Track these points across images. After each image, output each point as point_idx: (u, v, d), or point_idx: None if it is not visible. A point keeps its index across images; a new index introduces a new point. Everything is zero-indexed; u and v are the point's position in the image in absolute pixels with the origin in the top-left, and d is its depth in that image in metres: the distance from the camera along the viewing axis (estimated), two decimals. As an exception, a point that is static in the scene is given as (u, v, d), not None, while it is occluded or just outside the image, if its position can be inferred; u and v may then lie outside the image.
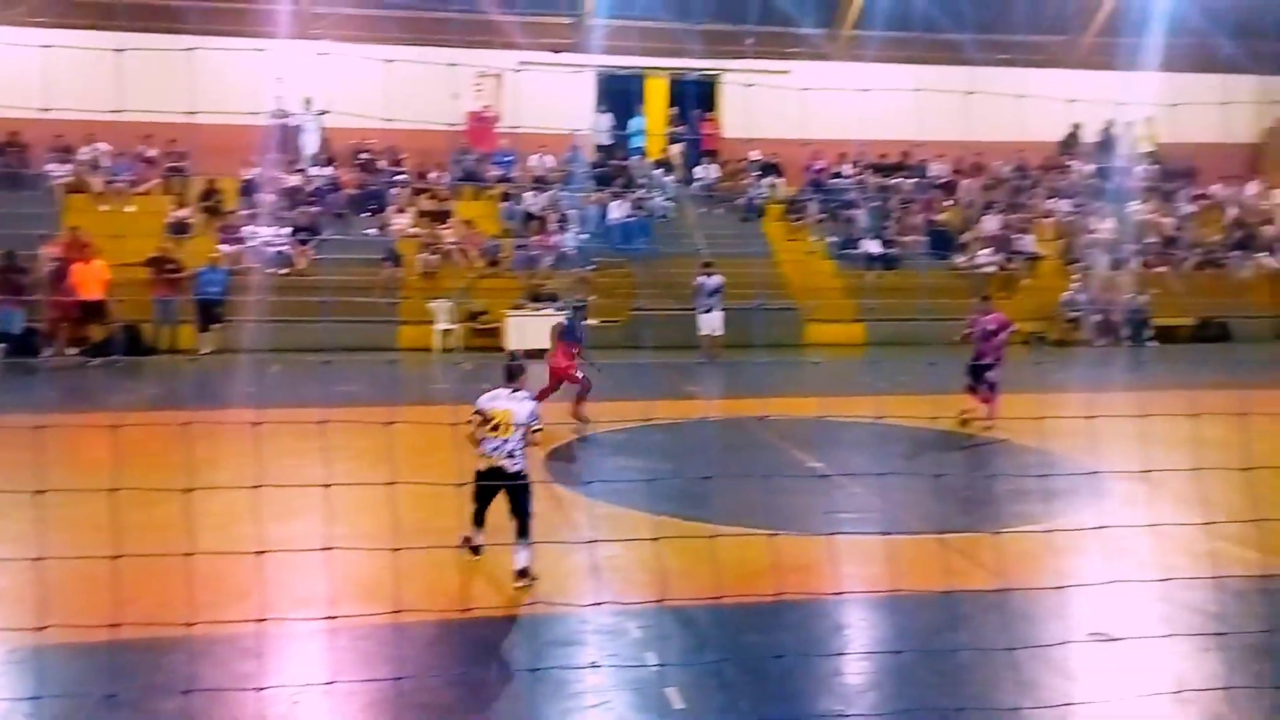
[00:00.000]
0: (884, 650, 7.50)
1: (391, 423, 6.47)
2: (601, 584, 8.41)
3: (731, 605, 8.24)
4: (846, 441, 14.25)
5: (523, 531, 8.63)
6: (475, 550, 8.94)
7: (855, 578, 9.27)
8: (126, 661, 6.91)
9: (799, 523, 10.90)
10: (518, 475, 8.61)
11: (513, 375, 8.88)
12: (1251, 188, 32.21)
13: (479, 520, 8.95)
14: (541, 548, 7.80)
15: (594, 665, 7.40)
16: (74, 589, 8.03)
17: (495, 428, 8.57)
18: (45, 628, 5.48)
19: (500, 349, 23.37)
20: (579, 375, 15.26)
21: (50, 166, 25.32)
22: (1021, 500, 11.67)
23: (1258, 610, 7.87)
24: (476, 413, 8.66)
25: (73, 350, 21.30)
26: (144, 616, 6.09)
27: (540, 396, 14.60)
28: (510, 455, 8.59)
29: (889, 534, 8.44)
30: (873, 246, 27.89)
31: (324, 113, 26.48)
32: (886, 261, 27.73)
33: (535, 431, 8.70)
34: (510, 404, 8.68)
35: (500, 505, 8.72)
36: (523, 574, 8.57)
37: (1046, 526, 8.07)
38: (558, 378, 15.38)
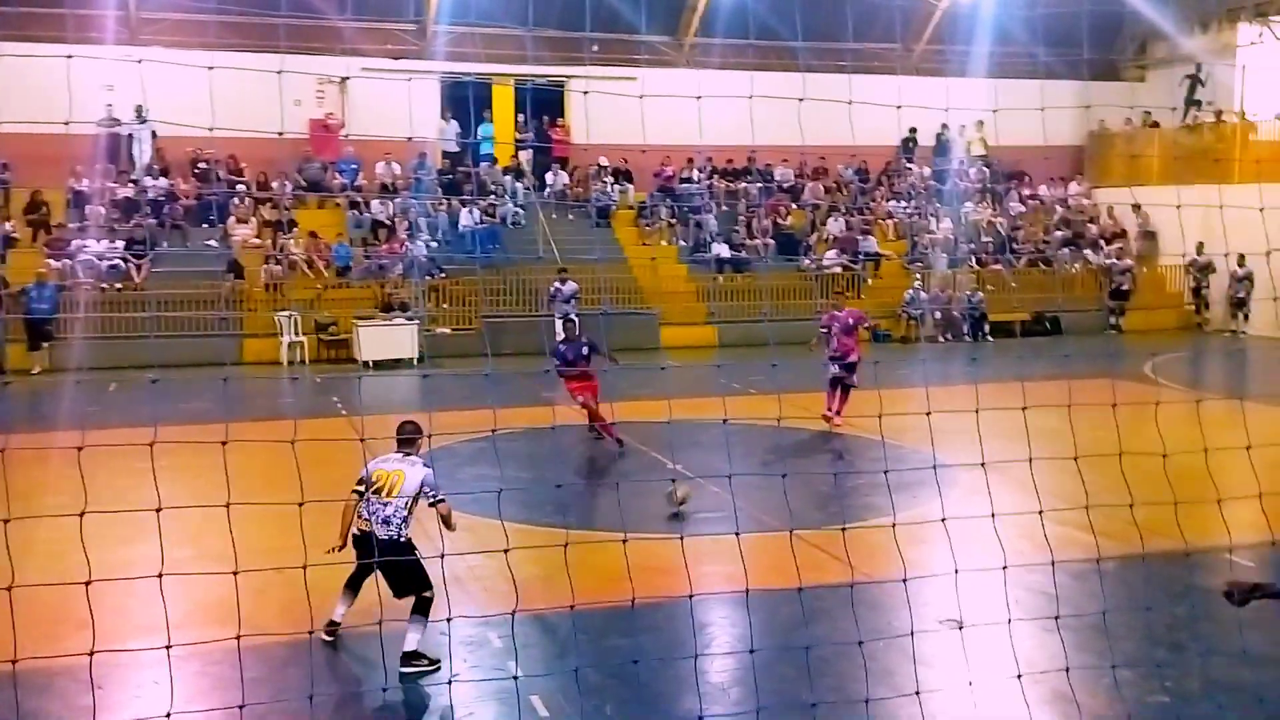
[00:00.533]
0: (744, 649, 7.61)
1: (226, 441, 6.25)
2: (462, 595, 8.31)
3: (592, 610, 8.27)
4: (704, 442, 14.44)
5: (417, 608, 7.87)
6: (331, 631, 8.08)
7: (714, 576, 9.39)
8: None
9: (658, 525, 10.99)
10: (396, 545, 7.81)
11: (408, 439, 8.23)
12: (1075, 188, 33.86)
13: (351, 585, 8.16)
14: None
15: (452, 679, 7.31)
16: None
17: (378, 490, 7.87)
18: None
19: (352, 360, 22.94)
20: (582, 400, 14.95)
21: None
22: (872, 494, 12.01)
23: (1095, 591, 8.26)
24: (360, 482, 7.94)
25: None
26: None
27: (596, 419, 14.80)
28: (386, 522, 7.84)
29: (745, 532, 8.56)
30: (722, 250, 28.30)
31: (153, 122, 25.50)
32: (736, 264, 28.19)
33: (438, 502, 7.94)
34: (402, 466, 8.04)
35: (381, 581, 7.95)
36: (411, 657, 7.78)
37: (895, 519, 8.32)
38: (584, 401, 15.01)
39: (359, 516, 7.90)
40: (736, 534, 7.58)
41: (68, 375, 20.63)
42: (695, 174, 30.80)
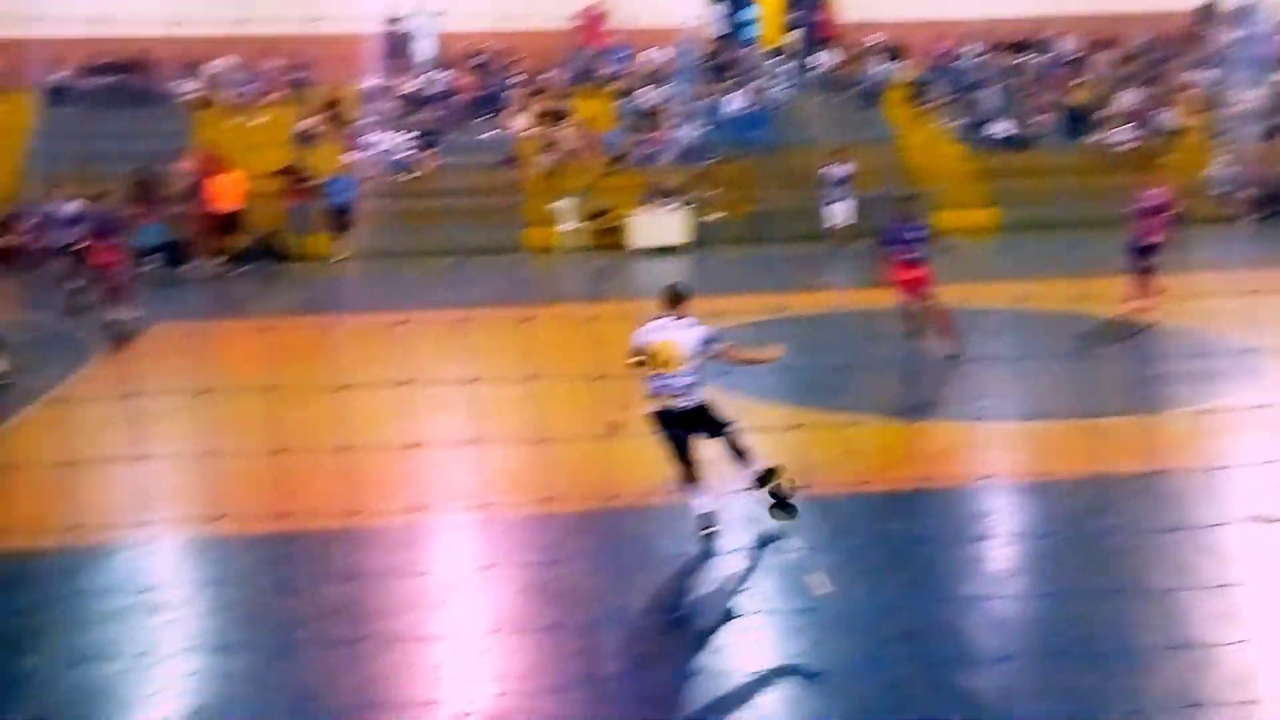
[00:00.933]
0: (1028, 536, 7.42)
1: (527, 319, 6.54)
2: (738, 474, 8.45)
3: (871, 493, 8.24)
4: (986, 329, 13.93)
5: (738, 455, 7.71)
6: (706, 525, 7.78)
7: (999, 463, 9.16)
8: (293, 551, 7.26)
9: (939, 410, 10.78)
10: (699, 411, 7.62)
11: (676, 300, 7.82)
12: None
13: (689, 474, 7.76)
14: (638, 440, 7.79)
15: (733, 552, 7.48)
16: (241, 484, 8.41)
17: (658, 364, 7.59)
18: (220, 518, 5.78)
19: (624, 247, 23.42)
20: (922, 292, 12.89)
21: (178, 83, 25.92)
22: (1175, 383, 11.29)
23: None
24: (634, 350, 7.71)
25: (216, 260, 22.01)
26: (307, 509, 6.37)
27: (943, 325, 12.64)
28: (680, 393, 7.57)
29: (1033, 419, 8.27)
30: (1002, 128, 26.94)
31: (435, 18, 26.49)
32: (1017, 143, 26.79)
33: (721, 351, 7.64)
34: (670, 333, 7.67)
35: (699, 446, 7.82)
36: (766, 476, 7.71)
37: (1200, 408, 7.81)
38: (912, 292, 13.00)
39: (651, 395, 7.75)
40: (1029, 420, 7.31)
41: (365, 262, 22.07)
42: (972, 48, 29.27)
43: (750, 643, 6.50)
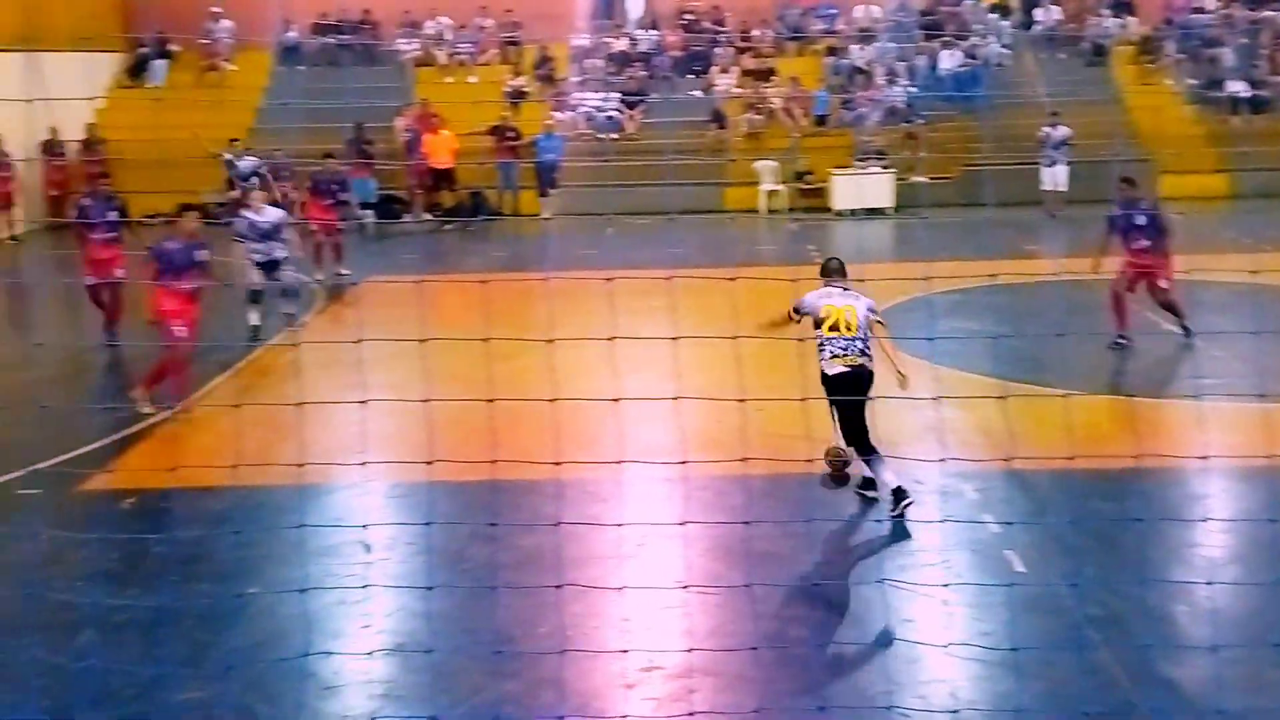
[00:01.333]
0: (1250, 520, 7.00)
1: (733, 279, 6.53)
2: (937, 444, 8.26)
3: (1076, 470, 7.90)
4: (1212, 303, 13.13)
5: (862, 434, 7.85)
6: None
7: (1220, 445, 8.65)
8: (496, 499, 7.53)
9: (1158, 387, 10.26)
10: (868, 378, 7.84)
11: (840, 272, 8.16)
12: None
13: (862, 442, 7.83)
14: (877, 406, 7.72)
15: (927, 523, 7.34)
16: (450, 433, 8.76)
17: (835, 326, 7.81)
18: (433, 462, 6.04)
19: (827, 209, 23.09)
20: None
21: (400, 42, 26.91)
22: None
23: None
24: (797, 310, 8.00)
25: (428, 215, 22.86)
26: (511, 459, 6.58)
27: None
28: (862, 356, 7.79)
29: (1261, 399, 7.77)
30: (1239, 88, 25.18)
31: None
32: (1255, 104, 25.00)
33: (881, 328, 7.95)
34: (848, 299, 7.95)
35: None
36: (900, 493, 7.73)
37: None
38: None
39: (833, 356, 7.81)
40: (1257, 399, 6.88)
41: (571, 219, 22.49)
42: (1209, 3, 27.43)
43: (941, 617, 6.38)
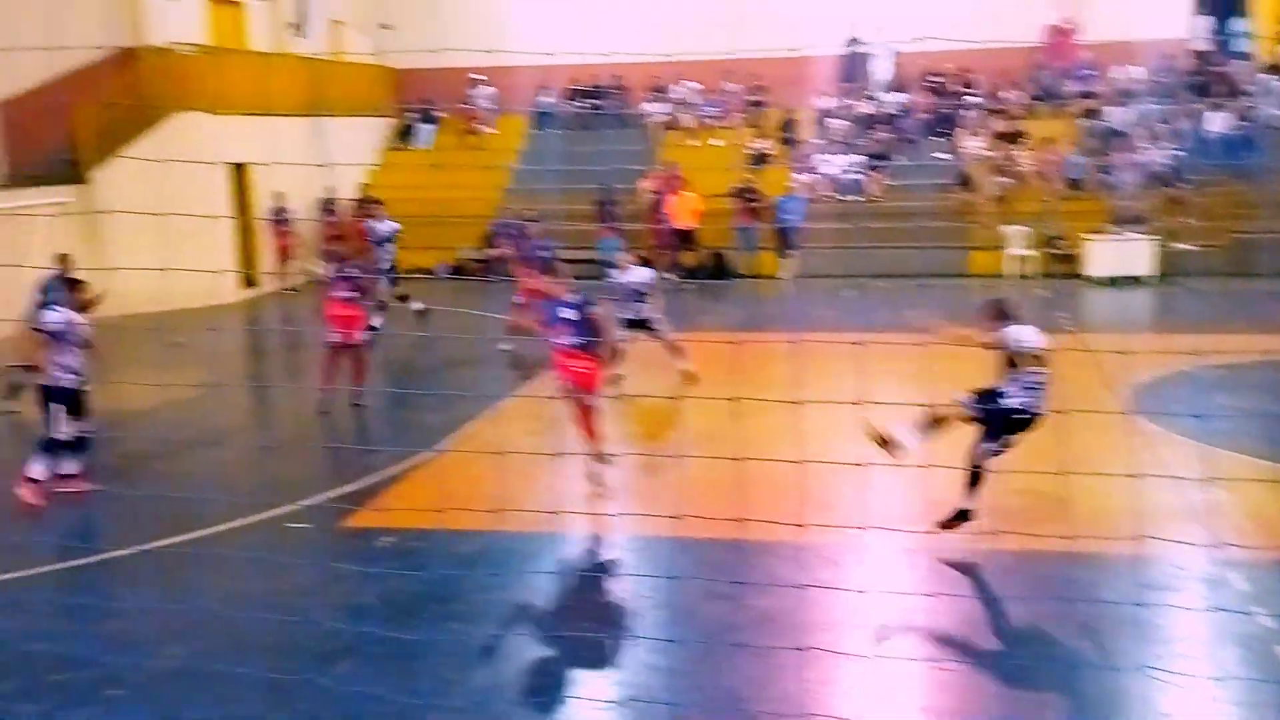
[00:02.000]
0: None
1: (988, 346, 6.35)
2: (1204, 529, 7.76)
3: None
4: None
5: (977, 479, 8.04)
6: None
7: None
8: (735, 558, 7.55)
9: None
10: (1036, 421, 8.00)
11: (1013, 312, 8.23)
12: None
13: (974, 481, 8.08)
14: (1126, 483, 7.34)
15: (1190, 610, 6.88)
16: (690, 489, 8.87)
17: (1042, 365, 7.96)
18: (679, 516, 6.14)
19: (1079, 276, 22.19)
20: None
21: (647, 106, 27.69)
22: None
23: None
24: (1004, 343, 7.96)
25: (669, 275, 23.30)
26: (747, 518, 6.60)
27: None
28: (1045, 398, 7.96)
29: None
30: None
31: (892, 40, 26.42)
32: None
33: None
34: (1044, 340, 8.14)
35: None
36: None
37: None
38: None
39: (1025, 391, 7.90)
40: None
41: (810, 281, 22.48)
42: None
43: (1205, 713, 5.96)
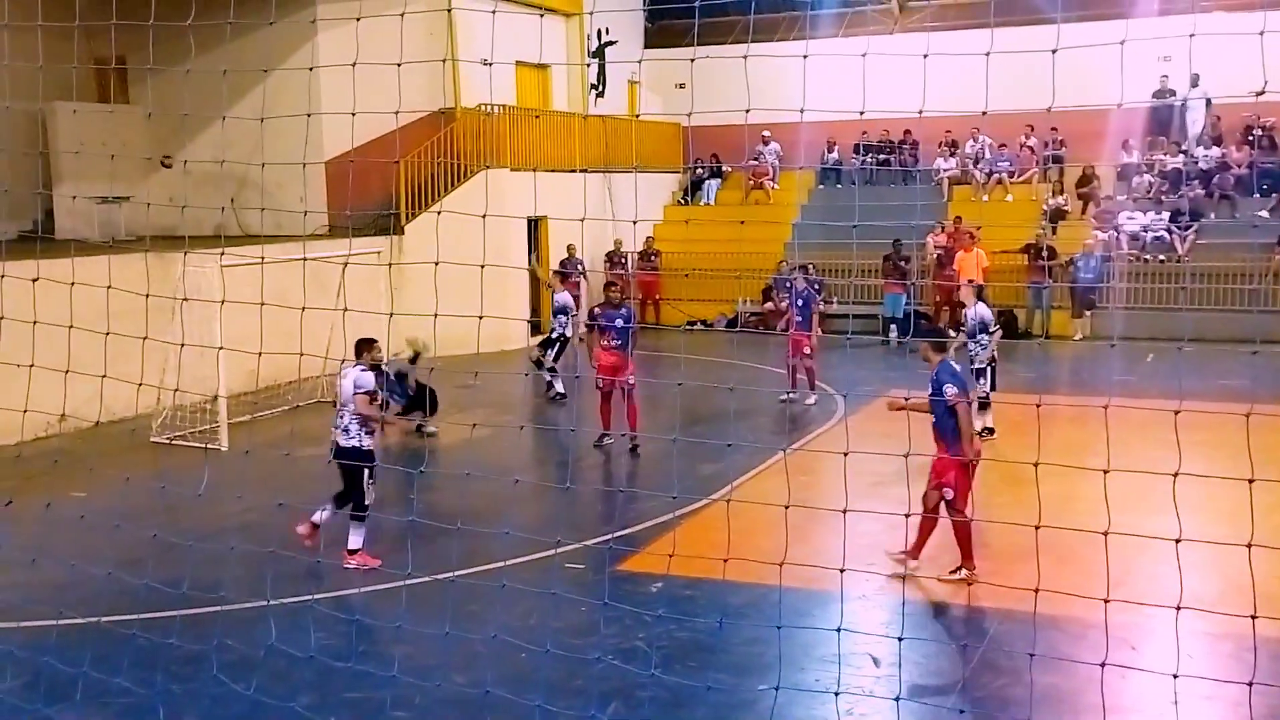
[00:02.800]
0: None
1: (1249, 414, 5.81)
2: None
3: None
4: None
5: None
6: None
7: None
8: (1014, 630, 7.19)
9: None
10: None
11: None
12: None
13: None
14: None
15: None
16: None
17: None
18: (972, 583, 5.91)
19: None
20: None
21: (938, 161, 27.15)
22: None
23: None
24: None
25: (953, 332, 22.66)
26: (1027, 588, 6.29)
27: None
28: None
29: None
30: None
31: (1207, 91, 24.81)
32: None
33: None
34: None
35: None
36: None
37: None
38: None
39: None
40: None
41: (1105, 343, 21.31)
42: None
43: None
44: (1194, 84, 25.10)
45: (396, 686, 6.79)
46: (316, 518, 9.65)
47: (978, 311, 14.07)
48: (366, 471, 9.47)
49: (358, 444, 9.57)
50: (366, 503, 9.57)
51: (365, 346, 10.00)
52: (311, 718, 6.72)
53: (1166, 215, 24.00)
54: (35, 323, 8.17)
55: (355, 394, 9.52)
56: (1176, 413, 5.43)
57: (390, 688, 6.79)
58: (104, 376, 8.17)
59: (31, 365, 8.02)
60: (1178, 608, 5.64)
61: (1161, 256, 23.41)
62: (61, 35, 10.61)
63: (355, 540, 9.64)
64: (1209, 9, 25.30)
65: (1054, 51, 5.67)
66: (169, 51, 13.92)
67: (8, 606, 8.25)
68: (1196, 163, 24.99)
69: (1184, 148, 25.55)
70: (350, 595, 8.32)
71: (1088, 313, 22.51)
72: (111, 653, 7.50)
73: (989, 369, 13.95)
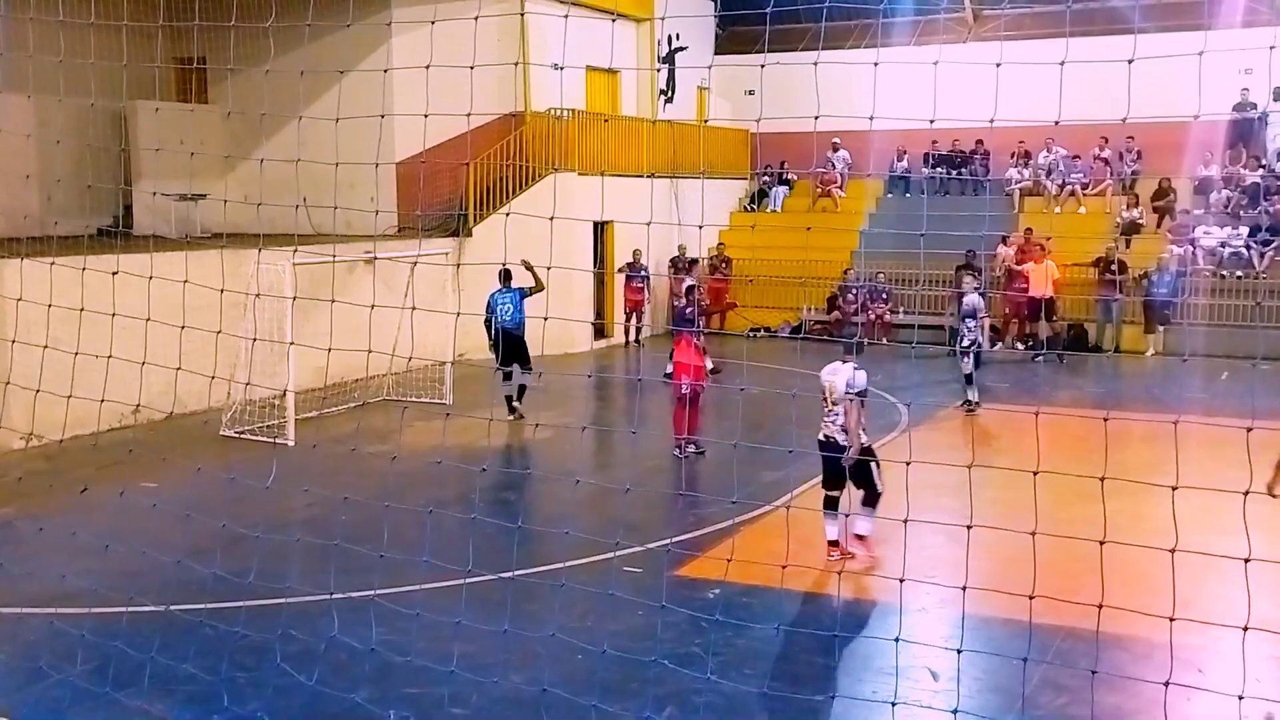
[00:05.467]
0: None
1: None
2: None
3: None
4: None
5: None
6: None
7: None
8: (1074, 648, 7.09)
9: None
10: None
11: None
12: None
13: None
14: None
15: None
16: (1022, 572, 8.42)
17: None
18: (1033, 597, 5.88)
19: None
20: None
21: (1011, 172, 26.78)
22: None
23: None
24: None
25: (1021, 345, 22.42)
26: (1085, 608, 6.20)
27: None
28: None
29: None
30: None
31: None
32: None
33: None
34: None
35: None
36: None
37: None
38: None
39: None
40: None
41: (1178, 359, 20.92)
42: None
43: None
44: (1276, 97, 24.56)
45: (455, 683, 6.85)
46: (862, 529, 9.60)
47: (971, 301, 16.53)
48: (874, 463, 9.52)
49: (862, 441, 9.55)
50: (879, 490, 9.51)
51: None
52: (371, 710, 6.81)
53: (1245, 230, 23.48)
54: (114, 315, 8.38)
55: (846, 393, 9.49)
56: (1249, 430, 5.32)
57: (448, 684, 6.86)
58: (178, 369, 8.36)
59: (110, 356, 8.21)
60: (1245, 628, 5.52)
61: (1239, 273, 22.90)
62: (144, 35, 10.88)
63: (865, 526, 9.59)
64: (1295, 19, 24.75)
65: (1130, 62, 5.58)
66: (248, 52, 14.24)
67: (80, 592, 8.46)
68: (1277, 177, 24.42)
69: (1264, 162, 24.99)
70: (411, 591, 8.40)
71: (1161, 328, 22.08)
72: (179, 640, 7.66)
73: (975, 351, 16.29)
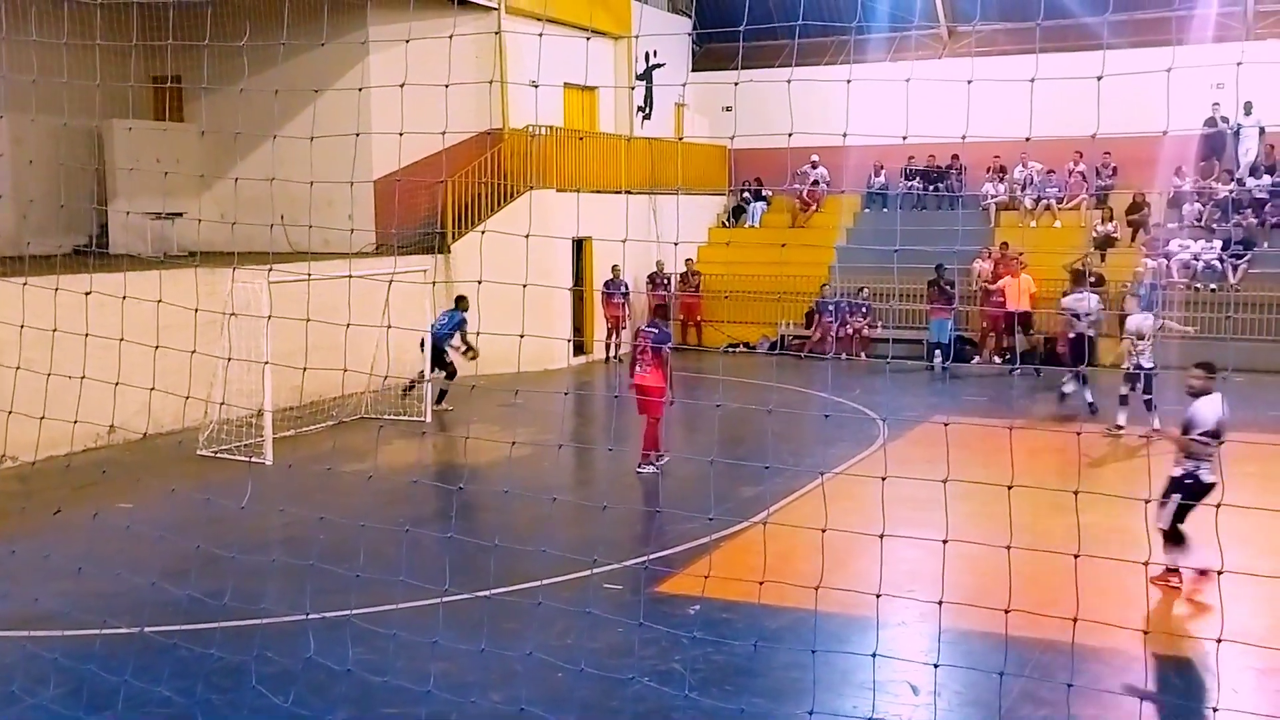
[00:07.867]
0: None
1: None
2: None
3: None
4: None
5: None
6: None
7: None
8: (1053, 660, 7.11)
9: None
10: None
11: None
12: None
13: None
14: None
15: None
16: (991, 581, 8.44)
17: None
18: (1009, 611, 5.88)
19: None
20: None
21: (986, 187, 26.95)
22: None
23: None
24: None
25: (996, 359, 22.51)
26: (1059, 620, 6.22)
27: None
28: None
29: None
30: None
31: (1260, 119, 24.47)
32: None
33: None
34: None
35: None
36: None
37: None
38: None
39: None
40: None
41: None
42: None
43: None
44: (1247, 111, 24.83)
45: (433, 703, 6.81)
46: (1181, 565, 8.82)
47: (1135, 320, 16.70)
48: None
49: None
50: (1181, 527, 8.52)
51: None
52: (346, 732, 6.76)
53: (1218, 244, 23.68)
54: (87, 335, 8.32)
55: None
56: (1220, 443, 5.36)
57: (426, 704, 6.82)
58: (153, 389, 8.30)
59: (83, 377, 8.16)
60: (1218, 640, 5.55)
61: (1213, 285, 23.10)
62: (119, 54, 10.84)
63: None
64: (1262, 36, 25.06)
65: (1099, 78, 5.63)
66: (224, 71, 14.19)
67: (53, 614, 8.37)
68: (1249, 191, 24.67)
69: (1236, 175, 25.24)
70: (389, 611, 8.35)
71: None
72: (153, 662, 7.59)
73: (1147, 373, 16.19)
